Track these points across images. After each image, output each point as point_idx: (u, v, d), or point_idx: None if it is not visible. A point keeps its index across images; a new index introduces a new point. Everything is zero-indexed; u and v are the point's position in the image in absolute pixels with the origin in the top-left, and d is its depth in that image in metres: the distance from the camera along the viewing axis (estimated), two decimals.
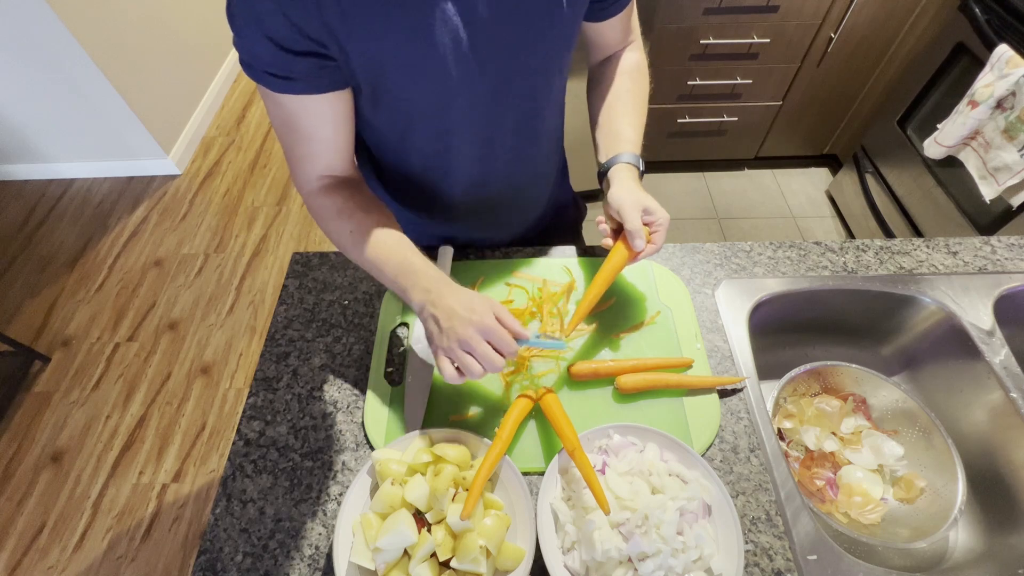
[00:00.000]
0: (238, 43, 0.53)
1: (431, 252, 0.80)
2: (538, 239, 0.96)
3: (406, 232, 0.66)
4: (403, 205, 0.82)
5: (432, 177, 0.75)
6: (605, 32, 0.76)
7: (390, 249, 0.63)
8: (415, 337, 0.78)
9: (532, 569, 0.58)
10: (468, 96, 0.63)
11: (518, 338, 0.57)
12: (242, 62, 0.54)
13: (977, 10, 1.49)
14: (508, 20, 0.57)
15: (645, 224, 0.68)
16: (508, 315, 0.58)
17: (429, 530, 0.57)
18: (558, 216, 0.99)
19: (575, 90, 0.85)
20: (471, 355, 0.55)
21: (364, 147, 0.77)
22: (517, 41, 0.60)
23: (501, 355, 0.56)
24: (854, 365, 0.79)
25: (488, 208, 0.82)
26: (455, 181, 0.76)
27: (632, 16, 0.77)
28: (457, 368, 0.57)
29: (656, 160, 2.32)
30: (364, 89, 0.60)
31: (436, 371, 0.74)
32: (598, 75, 0.81)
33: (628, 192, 0.68)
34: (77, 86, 2.09)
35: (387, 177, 0.80)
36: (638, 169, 0.73)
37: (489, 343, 0.56)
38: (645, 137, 0.77)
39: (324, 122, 0.60)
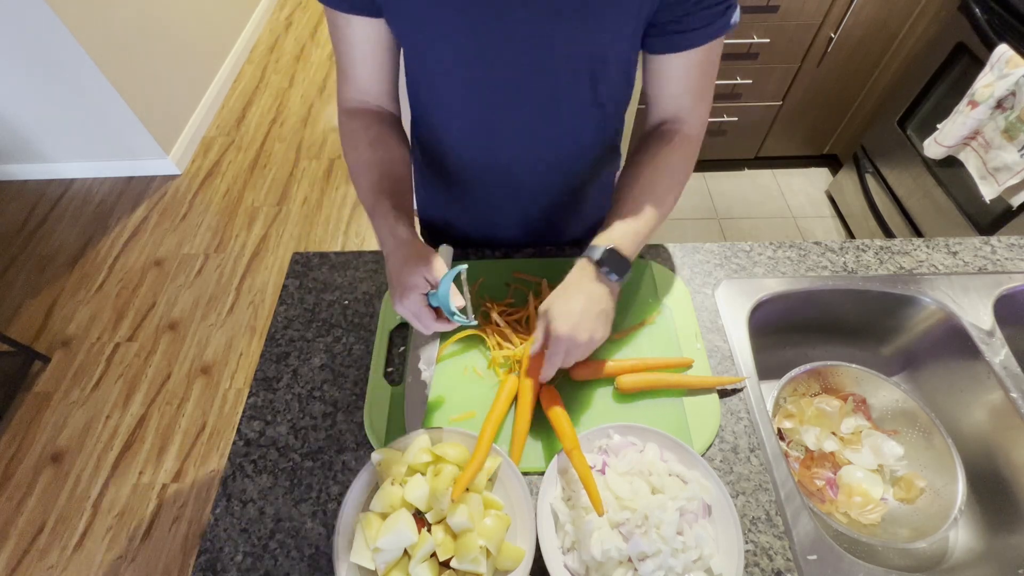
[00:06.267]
0: None
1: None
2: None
3: (429, 210, 0.66)
4: (433, 174, 0.82)
5: (458, 142, 0.75)
6: (664, 75, 0.65)
7: (378, 191, 0.66)
8: (415, 338, 0.78)
9: (532, 569, 0.58)
10: (485, 69, 0.63)
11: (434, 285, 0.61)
12: None
13: (977, 10, 1.49)
14: (545, 9, 0.56)
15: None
16: (433, 269, 0.60)
17: (429, 530, 0.58)
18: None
19: None
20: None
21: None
22: (542, 32, 0.59)
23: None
24: (854, 365, 0.79)
25: (507, 195, 0.81)
26: (478, 150, 0.75)
27: (704, 80, 0.65)
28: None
29: None
30: (392, 26, 0.63)
31: (436, 371, 0.74)
32: (638, 148, 0.72)
33: (552, 295, 0.64)
34: (77, 86, 2.09)
35: (421, 137, 0.80)
36: (593, 262, 0.63)
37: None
38: None
39: (355, 43, 0.65)
